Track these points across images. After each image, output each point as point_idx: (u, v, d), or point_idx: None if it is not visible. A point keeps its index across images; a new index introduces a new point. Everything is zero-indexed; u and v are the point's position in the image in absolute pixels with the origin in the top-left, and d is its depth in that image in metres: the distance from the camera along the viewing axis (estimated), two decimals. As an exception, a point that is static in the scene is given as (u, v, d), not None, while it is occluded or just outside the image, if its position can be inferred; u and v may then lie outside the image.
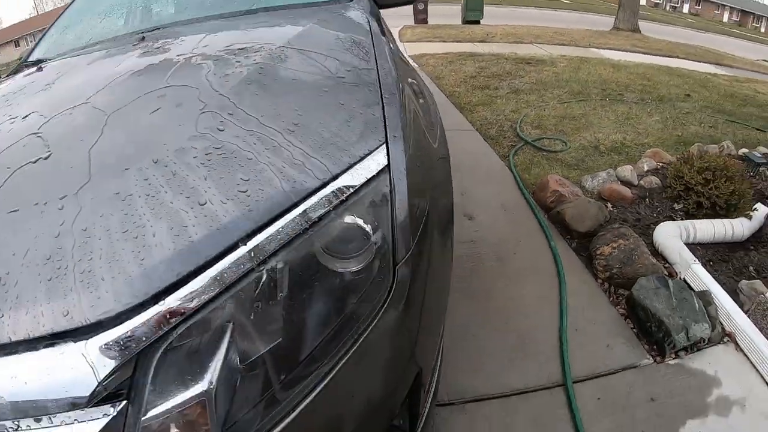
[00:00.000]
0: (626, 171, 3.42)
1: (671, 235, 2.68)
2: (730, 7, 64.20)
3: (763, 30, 59.30)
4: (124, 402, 0.78)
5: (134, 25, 2.52)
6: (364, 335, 0.98)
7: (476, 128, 4.94)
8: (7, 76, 2.32)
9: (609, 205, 3.08)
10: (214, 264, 0.86)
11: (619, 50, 11.24)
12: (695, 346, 2.05)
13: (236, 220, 0.91)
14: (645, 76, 7.71)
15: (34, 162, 1.13)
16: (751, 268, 2.69)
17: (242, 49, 1.57)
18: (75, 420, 0.76)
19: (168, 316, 0.81)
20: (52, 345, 0.78)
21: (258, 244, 0.89)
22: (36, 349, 0.78)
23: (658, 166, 3.66)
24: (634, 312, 2.20)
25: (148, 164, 1.02)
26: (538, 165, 3.95)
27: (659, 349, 2.04)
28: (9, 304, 0.82)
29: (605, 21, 20.58)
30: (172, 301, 0.81)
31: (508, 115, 5.29)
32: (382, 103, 1.27)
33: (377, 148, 1.13)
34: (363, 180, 1.05)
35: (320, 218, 0.96)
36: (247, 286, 0.87)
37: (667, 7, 62.16)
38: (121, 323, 0.79)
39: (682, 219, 2.95)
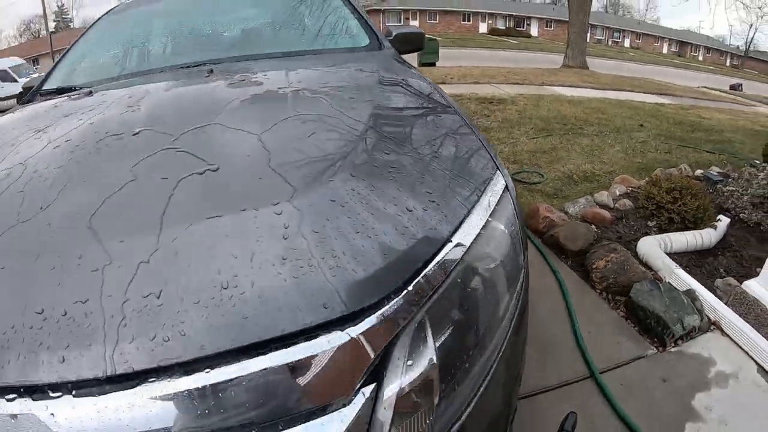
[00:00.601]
0: (603, 196, 3.84)
1: (652, 247, 3.07)
2: (669, 39, 67.24)
3: (701, 58, 62.34)
4: (373, 384, 0.86)
5: (163, 59, 2.60)
6: (507, 335, 1.11)
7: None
8: (22, 104, 2.35)
9: (593, 226, 3.46)
10: (437, 256, 0.97)
11: (571, 86, 11.91)
12: (688, 335, 2.42)
13: (440, 222, 1.03)
14: (600, 110, 8.28)
15: (201, 173, 1.16)
16: (721, 270, 3.10)
17: (341, 87, 1.69)
18: (348, 401, 0.83)
19: (414, 302, 0.90)
20: (314, 336, 0.82)
21: (460, 241, 1.02)
22: (298, 342, 0.81)
23: (629, 190, 4.08)
24: (633, 313, 2.56)
25: (347, 177, 1.10)
26: (521, 196, 4.30)
27: (660, 340, 2.40)
28: (252, 306, 0.83)
29: (552, 59, 21.51)
30: (413, 290, 0.90)
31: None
32: (476, 135, 1.46)
33: (495, 173, 1.29)
34: (497, 198, 1.21)
35: (485, 225, 1.10)
36: (456, 275, 0.98)
37: (609, 42, 64.47)
38: (378, 310, 0.86)
39: (656, 233, 3.35)
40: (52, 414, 0.78)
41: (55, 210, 1.13)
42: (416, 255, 0.96)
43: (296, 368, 0.81)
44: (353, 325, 0.84)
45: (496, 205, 1.18)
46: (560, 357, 2.33)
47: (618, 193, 4.01)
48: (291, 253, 0.91)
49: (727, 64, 62.81)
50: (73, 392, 0.79)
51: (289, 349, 0.81)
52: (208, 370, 0.79)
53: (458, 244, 1.01)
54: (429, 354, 0.90)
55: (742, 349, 2.35)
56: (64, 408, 0.78)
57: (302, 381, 0.81)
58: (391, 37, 2.71)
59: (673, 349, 2.37)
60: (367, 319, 0.85)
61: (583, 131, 6.63)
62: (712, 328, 2.50)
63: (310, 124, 1.37)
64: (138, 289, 0.87)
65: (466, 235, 1.04)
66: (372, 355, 0.85)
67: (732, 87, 23.62)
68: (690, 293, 2.61)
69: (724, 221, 3.41)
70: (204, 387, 0.78)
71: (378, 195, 1.07)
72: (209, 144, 1.31)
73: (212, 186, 1.12)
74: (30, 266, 0.96)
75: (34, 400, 0.79)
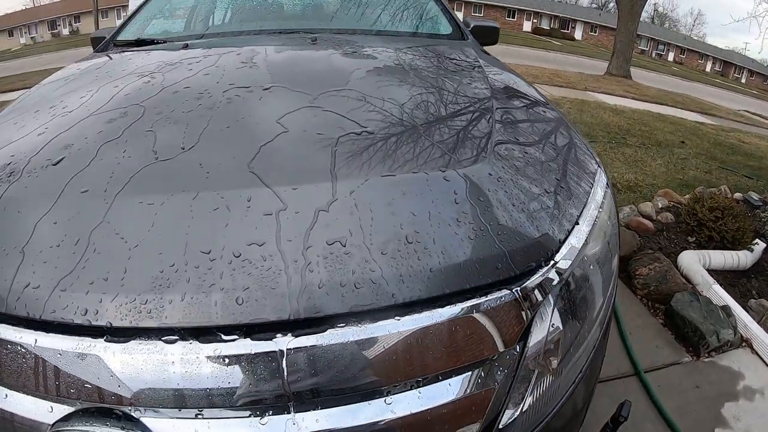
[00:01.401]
0: (647, 207, 3.95)
1: (693, 261, 3.20)
2: (713, 58, 65.99)
3: (743, 81, 60.90)
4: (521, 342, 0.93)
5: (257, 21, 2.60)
6: (606, 320, 1.20)
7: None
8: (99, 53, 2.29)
9: (637, 234, 3.57)
10: (571, 235, 1.06)
11: (613, 95, 11.87)
12: (721, 348, 2.56)
13: (570, 205, 1.13)
14: (642, 122, 8.29)
15: (358, 134, 1.21)
16: (753, 291, 3.23)
17: (453, 71, 1.77)
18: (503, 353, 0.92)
19: (559, 272, 0.98)
20: (489, 292, 0.89)
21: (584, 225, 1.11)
22: (476, 296, 0.88)
23: (670, 204, 4.18)
24: (672, 321, 2.70)
25: (496, 156, 1.18)
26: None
27: (695, 349, 2.54)
28: (436, 260, 0.89)
29: (594, 64, 21.29)
30: (559, 262, 1.00)
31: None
32: (575, 131, 1.54)
33: (598, 170, 1.37)
34: (604, 192, 1.28)
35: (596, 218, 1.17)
36: (581, 256, 1.06)
37: (653, 54, 63.41)
38: (535, 275, 0.95)
39: (695, 249, 3.46)
40: (224, 358, 0.78)
41: (201, 152, 1.13)
42: (558, 232, 1.05)
43: (474, 320, 0.87)
44: (518, 286, 0.92)
45: (603, 198, 1.26)
46: (606, 353, 2.46)
47: (660, 205, 4.11)
48: (463, 216, 0.97)
49: (771, 89, 61.66)
50: (251, 335, 0.79)
51: (469, 301, 0.87)
52: (398, 318, 0.83)
53: (582, 229, 1.10)
54: (556, 322, 0.98)
55: (771, 368, 2.49)
56: (238, 351, 0.78)
57: (475, 332, 0.88)
58: (469, 28, 2.73)
59: (706, 359, 2.51)
60: (528, 282, 0.93)
61: (626, 141, 6.70)
62: (743, 344, 2.63)
63: (444, 102, 1.44)
64: (321, 236, 0.89)
65: (586, 222, 1.13)
66: (528, 314, 0.93)
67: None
68: (726, 309, 2.73)
69: (760, 245, 3.52)
70: (393, 334, 0.82)
71: (521, 175, 1.14)
72: (353, 107, 1.34)
73: (374, 147, 1.15)
74: (187, 205, 0.96)
75: (201, 342, 0.79)
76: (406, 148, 1.16)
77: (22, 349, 0.82)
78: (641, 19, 18.27)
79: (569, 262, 1.01)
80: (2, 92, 12.09)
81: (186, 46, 2.05)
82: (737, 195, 4.72)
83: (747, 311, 2.83)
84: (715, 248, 3.44)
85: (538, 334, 0.95)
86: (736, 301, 2.88)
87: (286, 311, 0.80)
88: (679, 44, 66.40)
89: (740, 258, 3.36)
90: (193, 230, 0.90)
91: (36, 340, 0.81)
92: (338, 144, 1.15)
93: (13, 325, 0.83)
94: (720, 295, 2.90)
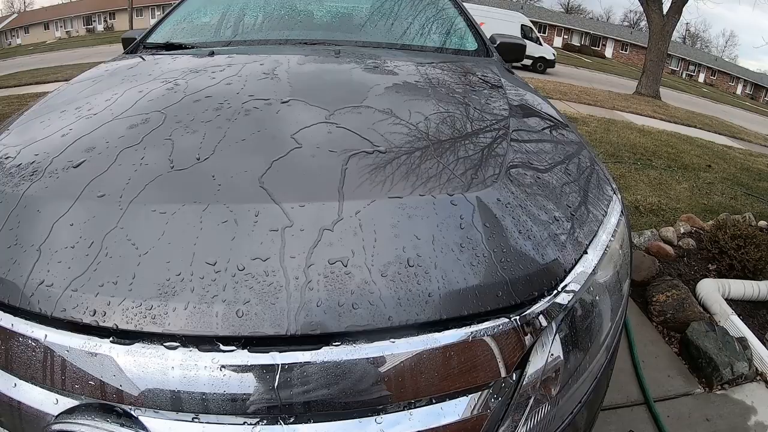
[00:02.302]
0: (669, 232, 3.90)
1: (712, 290, 3.15)
2: (744, 80, 65.02)
3: (775, 104, 60.08)
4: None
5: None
6: (612, 347, 1.19)
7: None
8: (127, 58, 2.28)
9: (656, 260, 3.53)
10: (578, 264, 1.06)
11: (641, 115, 11.78)
12: (735, 381, 2.51)
13: (580, 233, 1.12)
14: (669, 144, 8.19)
15: (370, 152, 1.21)
16: (772, 324, 3.17)
17: (474, 90, 1.77)
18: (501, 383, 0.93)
19: (561, 302, 0.98)
20: (486, 319, 0.90)
21: (593, 255, 1.11)
22: (473, 323, 0.89)
23: (692, 230, 4.12)
24: (687, 350, 2.66)
25: (507, 180, 1.17)
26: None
27: (708, 381, 2.49)
28: (436, 285, 0.90)
29: (623, 83, 21.14)
30: (562, 291, 0.99)
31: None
32: (593, 155, 1.52)
33: (613, 196, 1.36)
34: (617, 219, 1.29)
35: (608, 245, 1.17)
36: (587, 285, 1.06)
37: (684, 75, 62.71)
38: (537, 304, 0.95)
39: (715, 277, 3.42)
40: (222, 367, 0.82)
41: (215, 163, 1.15)
42: (565, 260, 1.05)
43: (470, 347, 0.88)
44: (518, 315, 0.92)
45: (616, 226, 1.25)
46: (615, 379, 2.44)
47: (682, 231, 4.06)
48: (467, 242, 0.97)
49: (803, 115, 60.43)
50: (248, 347, 0.82)
51: (466, 328, 0.88)
52: (393, 340, 0.85)
53: (591, 257, 1.10)
54: (557, 350, 0.98)
55: (785, 404, 2.44)
56: (235, 361, 0.82)
57: (471, 359, 0.89)
58: (496, 45, 2.73)
59: (718, 392, 2.46)
60: (529, 311, 0.94)
61: (652, 163, 6.63)
62: (758, 378, 2.58)
63: (460, 123, 1.44)
64: (323, 255, 0.91)
65: (595, 250, 1.13)
66: (527, 343, 0.93)
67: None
68: (742, 341, 2.69)
69: (783, 276, 3.45)
70: (386, 356, 0.84)
71: (531, 201, 1.14)
72: (367, 125, 1.35)
73: (384, 167, 1.16)
74: (197, 216, 0.98)
75: (201, 351, 0.82)
76: (416, 169, 1.17)
77: (33, 343, 0.86)
78: (672, 39, 18.06)
79: (574, 292, 1.02)
80: (37, 83, 12.35)
81: (212, 53, 2.08)
82: (762, 223, 4.65)
83: (764, 344, 2.78)
84: (735, 277, 3.39)
85: (537, 362, 0.96)
86: (754, 334, 2.82)
87: (284, 327, 0.82)
88: (710, 65, 65.57)
89: (761, 288, 3.30)
90: (201, 241, 0.93)
91: (46, 336, 0.86)
92: (349, 162, 1.16)
93: (26, 319, 0.88)
94: (737, 326, 2.85)
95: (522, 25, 22.86)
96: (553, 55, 24.23)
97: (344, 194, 1.05)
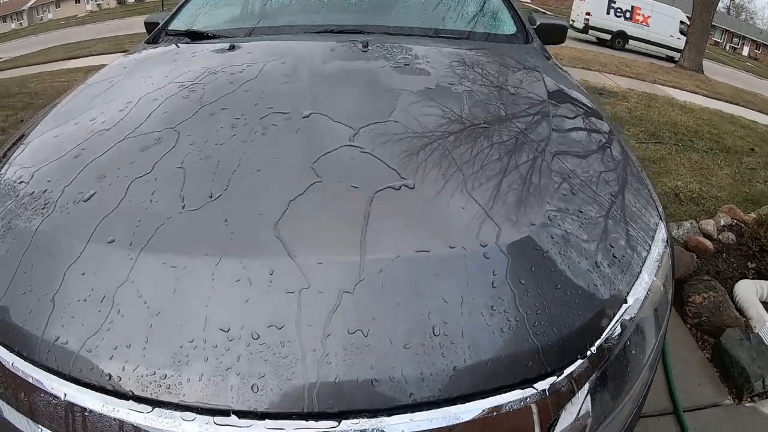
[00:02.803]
0: (709, 225, 3.75)
1: (750, 292, 3.03)
2: (791, 55, 62.73)
3: (821, 81, 57.84)
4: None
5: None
6: (644, 394, 1.17)
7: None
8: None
9: (695, 255, 3.42)
10: (615, 316, 1.00)
11: (683, 90, 11.37)
12: (766, 394, 2.43)
13: (621, 280, 1.05)
14: (711, 123, 7.89)
15: (397, 189, 1.14)
16: (813, 334, 3.05)
17: (513, 94, 1.67)
18: None
19: (595, 363, 0.94)
20: (511, 390, 0.86)
21: (633, 301, 1.05)
22: (499, 393, 0.86)
23: (733, 223, 3.96)
24: (719, 358, 2.56)
25: (547, 222, 1.09)
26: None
27: (738, 392, 2.41)
28: (461, 357, 0.85)
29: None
30: (596, 352, 0.94)
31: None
32: (639, 170, 1.45)
33: (659, 224, 1.29)
34: (661, 253, 1.21)
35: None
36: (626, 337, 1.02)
37: (727, 47, 60.54)
38: (567, 371, 0.91)
39: (754, 277, 3.28)
40: None
41: (228, 202, 1.09)
42: (602, 316, 0.99)
43: (495, 420, 0.85)
44: (548, 384, 0.88)
45: (659, 260, 1.18)
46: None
47: (723, 223, 3.90)
48: (499, 303, 0.91)
49: None
50: (265, 420, 0.80)
51: (491, 399, 0.85)
52: (412, 418, 0.82)
53: (631, 305, 1.04)
54: (587, 408, 0.94)
55: (819, 423, 2.35)
56: None
57: (497, 430, 0.86)
58: (535, 26, 2.63)
59: (747, 404, 2.38)
60: (560, 378, 0.90)
61: (694, 145, 6.38)
62: (790, 392, 2.50)
63: (497, 148, 1.33)
64: (342, 323, 0.87)
65: (636, 295, 1.06)
66: (553, 413, 0.89)
67: None
68: (777, 352, 2.60)
69: (827, 281, 3.32)
70: None
71: (571, 245, 1.06)
72: (393, 149, 1.27)
73: (411, 207, 1.10)
74: (209, 272, 0.94)
75: (217, 424, 0.81)
76: (446, 210, 1.09)
77: (53, 399, 0.87)
78: (716, 10, 17.35)
79: (609, 350, 0.97)
80: (68, 59, 12.33)
81: (232, 47, 1.99)
82: (806, 218, 4.49)
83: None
84: (776, 278, 3.27)
85: (564, 422, 0.92)
86: (790, 343, 2.73)
87: (301, 404, 0.81)
88: (755, 38, 62.95)
89: (801, 293, 3.19)
90: (214, 302, 0.90)
91: (65, 394, 0.86)
92: (372, 203, 1.09)
93: (46, 371, 0.89)
94: (774, 334, 2.75)
95: (680, 21, 22.82)
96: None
97: (367, 247, 0.98)
